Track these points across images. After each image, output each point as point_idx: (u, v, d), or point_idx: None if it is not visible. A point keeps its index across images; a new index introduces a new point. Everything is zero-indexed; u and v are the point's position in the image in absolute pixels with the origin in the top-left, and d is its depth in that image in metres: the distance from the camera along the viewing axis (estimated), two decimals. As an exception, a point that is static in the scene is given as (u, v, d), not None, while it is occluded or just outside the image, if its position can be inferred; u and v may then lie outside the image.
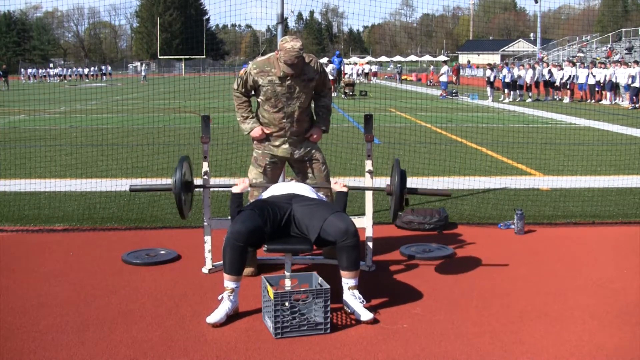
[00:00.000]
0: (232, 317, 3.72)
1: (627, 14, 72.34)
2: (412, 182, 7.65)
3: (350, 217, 4.33)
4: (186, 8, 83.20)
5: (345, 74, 31.97)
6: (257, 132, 4.65)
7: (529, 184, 7.83)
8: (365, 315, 3.68)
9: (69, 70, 60.72)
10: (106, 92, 30.42)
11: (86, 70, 60.20)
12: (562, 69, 26.82)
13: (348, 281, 3.81)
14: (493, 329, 3.63)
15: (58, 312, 3.84)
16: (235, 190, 4.21)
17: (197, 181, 4.51)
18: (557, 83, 26.36)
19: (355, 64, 48.11)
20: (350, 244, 3.74)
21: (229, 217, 4.30)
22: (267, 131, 4.65)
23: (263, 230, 3.80)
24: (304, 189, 4.21)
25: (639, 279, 4.47)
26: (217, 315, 3.67)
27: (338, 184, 4.33)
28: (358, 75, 42.60)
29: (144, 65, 53.14)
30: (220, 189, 7.11)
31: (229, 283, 3.75)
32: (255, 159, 4.77)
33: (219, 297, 3.78)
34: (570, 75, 26.03)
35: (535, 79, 26.73)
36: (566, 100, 25.70)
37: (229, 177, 7.69)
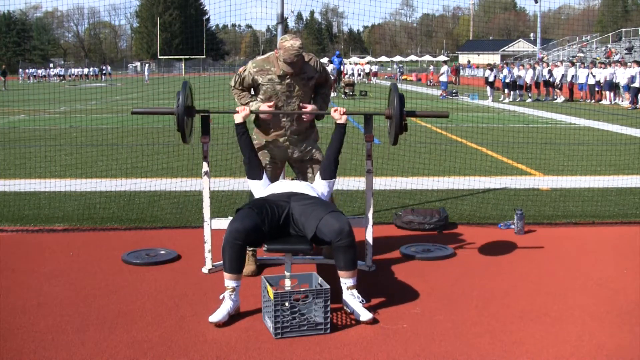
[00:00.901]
0: (233, 317, 3.72)
1: (627, 14, 72.34)
2: (412, 181, 7.67)
3: (350, 217, 4.34)
4: (186, 8, 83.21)
5: (346, 74, 31.97)
6: (263, 108, 4.49)
7: (529, 184, 7.83)
8: (365, 315, 3.68)
9: (69, 70, 60.71)
10: (106, 92, 30.43)
11: (86, 70, 60.23)
12: (556, 66, 26.84)
13: (346, 281, 3.80)
14: (493, 329, 3.63)
15: (58, 312, 3.84)
16: (237, 119, 4.32)
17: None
18: (557, 82, 26.34)
19: (357, 64, 48.08)
20: (345, 244, 3.73)
21: (229, 217, 4.31)
22: (269, 104, 4.48)
23: (261, 229, 3.80)
24: (304, 188, 4.21)
25: (639, 279, 4.47)
26: (219, 314, 3.66)
27: (338, 111, 4.36)
28: (359, 74, 42.59)
29: (147, 65, 53.08)
30: (221, 189, 7.11)
31: (229, 282, 3.75)
32: (255, 158, 4.76)
33: (220, 297, 3.78)
34: (562, 75, 26.00)
35: (535, 79, 26.73)
36: (560, 100, 25.68)
37: (229, 177, 7.69)
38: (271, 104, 4.52)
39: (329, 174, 4.32)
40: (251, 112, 4.46)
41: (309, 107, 4.56)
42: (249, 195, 4.85)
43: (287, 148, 4.67)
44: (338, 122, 4.40)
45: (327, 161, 4.36)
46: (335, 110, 4.39)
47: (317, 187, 4.29)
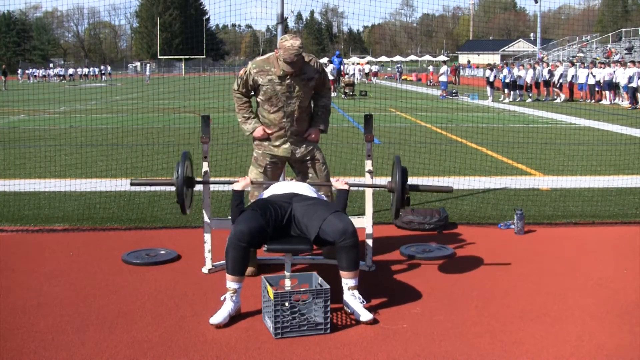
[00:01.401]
0: (233, 317, 3.72)
1: (627, 14, 72.32)
2: (412, 181, 7.65)
3: (351, 217, 4.34)
4: (186, 8, 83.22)
5: (346, 74, 31.95)
6: (259, 132, 4.65)
7: (529, 184, 7.83)
8: (365, 315, 3.68)
9: (69, 70, 60.69)
10: (106, 92, 30.43)
11: (85, 70, 60.23)
12: (557, 66, 26.85)
13: (348, 281, 3.80)
14: (493, 329, 3.63)
15: (58, 312, 3.84)
16: (236, 187, 4.21)
17: (198, 180, 4.51)
18: (555, 81, 26.34)
19: (358, 64, 48.03)
20: (348, 244, 3.73)
21: (229, 217, 4.30)
22: (268, 131, 4.65)
23: (265, 230, 3.80)
24: (305, 188, 4.21)
25: (639, 279, 4.47)
26: (219, 316, 3.66)
27: (340, 181, 4.33)
28: (360, 74, 42.56)
29: (149, 65, 53.08)
30: (221, 189, 7.11)
31: (231, 284, 3.74)
32: (255, 159, 4.77)
33: (222, 298, 3.77)
34: (561, 74, 25.97)
35: (535, 79, 26.73)
36: (560, 99, 25.67)
37: (229, 177, 7.68)
38: (266, 132, 4.61)
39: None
40: (252, 183, 4.44)
41: (313, 132, 4.67)
42: (249, 194, 4.85)
43: (287, 148, 4.67)
44: (339, 188, 4.29)
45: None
46: (337, 181, 4.35)
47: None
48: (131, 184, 4.52)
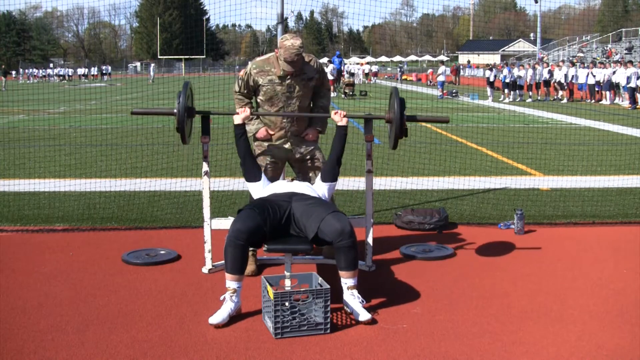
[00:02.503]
0: (233, 317, 3.72)
1: (627, 14, 72.32)
2: (412, 181, 7.67)
3: (350, 217, 4.35)
4: (186, 8, 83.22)
5: (346, 73, 31.90)
6: (262, 132, 4.64)
7: (529, 184, 7.82)
8: (364, 315, 3.68)
9: (68, 70, 60.68)
10: (106, 92, 30.43)
11: (85, 71, 60.22)
12: (558, 66, 26.83)
13: (347, 281, 3.80)
14: (493, 329, 3.63)
15: (58, 312, 3.84)
16: (236, 120, 4.34)
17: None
18: (556, 82, 26.32)
19: (361, 64, 47.99)
20: (346, 244, 3.73)
21: (229, 217, 4.30)
22: (271, 132, 4.64)
23: (263, 229, 3.80)
24: (305, 188, 4.21)
25: (639, 279, 4.47)
26: (219, 316, 3.66)
27: (338, 113, 4.39)
28: (364, 74, 42.54)
29: (152, 65, 53.05)
30: (221, 189, 7.11)
31: (231, 283, 3.74)
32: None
33: (221, 298, 3.77)
34: (565, 75, 25.95)
35: (535, 79, 26.73)
36: (565, 100, 25.68)
37: (229, 177, 7.69)
38: (269, 132, 4.62)
39: (331, 176, 4.32)
40: (252, 113, 4.47)
41: (311, 132, 4.68)
42: (249, 195, 4.86)
43: (288, 148, 4.67)
44: (339, 124, 4.41)
45: (328, 164, 4.36)
46: (335, 113, 4.40)
47: (317, 188, 4.29)
48: (132, 113, 4.60)
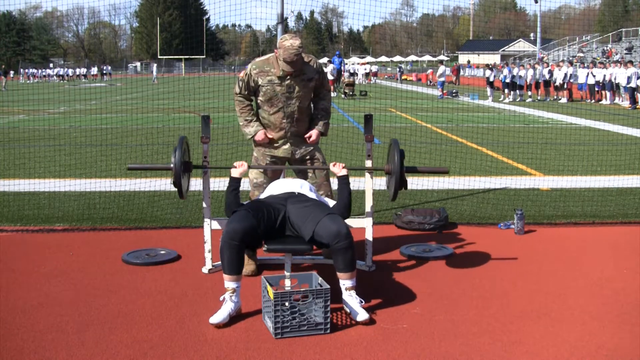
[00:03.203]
0: (233, 317, 3.72)
1: (627, 14, 72.33)
2: (412, 181, 7.65)
3: (350, 217, 4.34)
4: (186, 8, 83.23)
5: (352, 74, 31.87)
6: (260, 135, 4.63)
7: (529, 184, 7.83)
8: (362, 315, 3.67)
9: (68, 70, 60.67)
10: (106, 92, 30.44)
11: (84, 71, 60.25)
12: (558, 66, 26.81)
13: (345, 282, 3.80)
14: (493, 329, 3.63)
15: (58, 312, 3.84)
16: (234, 173, 4.23)
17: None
18: (557, 83, 26.30)
19: (362, 64, 47.98)
20: (342, 247, 3.73)
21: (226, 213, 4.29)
22: (270, 135, 4.63)
23: (257, 231, 3.80)
24: (303, 186, 4.21)
25: (639, 279, 4.47)
26: (219, 316, 3.66)
27: (337, 166, 4.28)
28: (366, 74, 42.51)
29: (155, 65, 53.06)
30: (221, 189, 7.11)
31: (229, 283, 3.74)
32: (255, 159, 4.77)
33: (221, 298, 3.77)
34: (565, 74, 25.92)
35: (535, 79, 26.72)
36: (564, 100, 25.67)
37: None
38: (269, 136, 4.60)
39: (341, 215, 4.08)
40: (249, 167, 4.42)
41: (313, 134, 4.64)
42: (249, 195, 4.86)
43: (288, 149, 4.67)
44: (339, 175, 4.26)
45: (337, 209, 4.09)
46: (334, 165, 4.31)
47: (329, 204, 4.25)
48: (128, 169, 4.54)
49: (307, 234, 3.82)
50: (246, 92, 4.63)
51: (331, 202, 4.33)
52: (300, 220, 3.88)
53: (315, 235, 3.80)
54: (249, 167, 4.40)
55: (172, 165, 4.19)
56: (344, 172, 4.26)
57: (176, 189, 4.25)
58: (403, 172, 4.23)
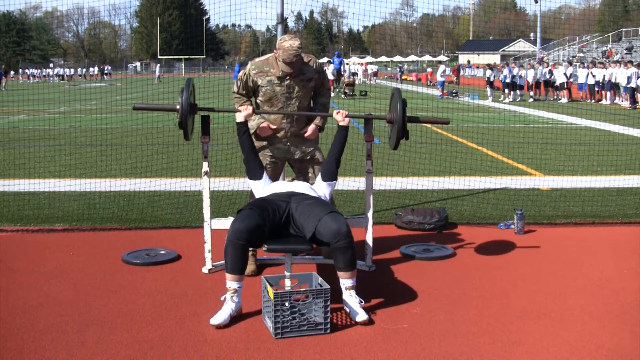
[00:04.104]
0: (233, 317, 3.72)
1: (627, 14, 72.32)
2: (412, 181, 7.67)
3: (350, 217, 4.34)
4: (186, 8, 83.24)
5: (353, 73, 31.86)
6: (263, 128, 4.58)
7: (529, 184, 7.82)
8: (361, 315, 3.67)
9: (68, 70, 60.65)
10: (106, 92, 30.43)
11: (84, 71, 60.26)
12: (559, 65, 26.81)
13: (345, 282, 3.80)
14: (493, 329, 3.63)
15: (58, 312, 3.84)
16: (238, 118, 4.34)
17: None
18: (557, 83, 26.30)
19: (362, 64, 47.96)
20: (343, 245, 3.73)
21: (230, 217, 4.30)
22: (272, 127, 4.59)
23: (263, 229, 3.80)
24: (304, 188, 4.21)
25: (639, 279, 4.47)
26: (220, 316, 3.65)
27: (340, 113, 4.40)
28: (368, 75, 42.49)
29: (158, 65, 53.06)
30: (221, 189, 7.11)
31: (231, 283, 3.73)
32: (255, 159, 4.76)
33: (222, 298, 3.76)
34: (564, 74, 25.90)
35: (535, 79, 26.71)
36: (564, 100, 25.66)
37: (229, 177, 7.69)
38: (272, 127, 4.59)
39: (330, 175, 4.33)
40: (254, 111, 4.46)
41: (310, 129, 4.63)
42: (250, 194, 4.86)
43: (287, 149, 4.67)
44: (340, 124, 4.42)
45: (328, 163, 4.36)
46: (337, 113, 4.40)
47: (317, 188, 4.29)
48: (134, 108, 4.61)
49: (309, 231, 3.82)
50: (244, 92, 4.63)
51: (317, 182, 4.35)
52: (302, 217, 3.88)
53: (316, 233, 3.80)
54: (254, 111, 4.44)
55: (178, 106, 4.25)
56: (345, 121, 4.42)
57: (182, 131, 4.32)
58: (405, 120, 4.27)
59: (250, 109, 4.38)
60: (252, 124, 4.64)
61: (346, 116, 4.39)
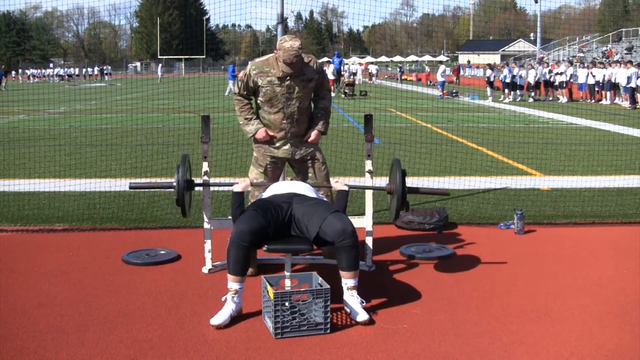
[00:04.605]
0: (234, 317, 3.72)
1: (627, 14, 72.34)
2: (411, 181, 7.65)
3: (351, 217, 4.34)
4: (186, 8, 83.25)
5: (346, 72, 31.85)
6: (261, 133, 4.62)
7: (529, 184, 7.83)
8: (362, 315, 3.67)
9: (68, 70, 60.62)
10: (106, 92, 30.43)
11: (83, 71, 60.22)
12: (558, 65, 26.80)
13: (347, 281, 3.80)
14: (493, 329, 3.63)
15: (58, 312, 3.84)
16: (236, 189, 4.19)
17: (197, 180, 4.51)
18: (557, 83, 26.29)
19: (362, 64, 47.93)
20: (347, 245, 3.73)
21: (229, 217, 4.29)
22: (271, 133, 4.63)
23: (267, 230, 3.80)
24: (304, 188, 4.21)
25: (639, 279, 4.47)
26: (220, 317, 3.65)
27: (339, 183, 4.34)
28: (362, 74, 42.47)
29: (160, 65, 53.05)
30: (221, 189, 7.11)
31: (233, 284, 3.73)
32: (255, 159, 4.77)
33: (223, 299, 3.76)
34: (563, 74, 25.88)
35: (536, 78, 26.71)
36: (564, 100, 25.65)
37: (229, 177, 7.69)
38: (270, 134, 4.59)
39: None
40: (252, 184, 4.41)
41: (313, 134, 4.64)
42: (250, 193, 4.86)
43: (287, 149, 4.67)
44: (339, 189, 4.31)
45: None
46: (336, 182, 4.38)
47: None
48: (130, 187, 4.50)
49: (313, 231, 3.82)
50: (245, 92, 4.63)
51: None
52: (305, 218, 3.89)
53: (321, 233, 3.80)
54: (251, 184, 4.41)
55: (174, 183, 4.19)
56: (345, 187, 4.29)
57: (179, 207, 4.25)
58: (405, 193, 4.22)
59: (248, 181, 4.34)
60: (251, 129, 4.64)
61: (345, 185, 4.32)
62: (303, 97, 4.56)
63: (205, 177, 4.58)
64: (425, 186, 7.37)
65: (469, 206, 6.69)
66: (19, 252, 5.09)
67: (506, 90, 26.72)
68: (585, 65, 28.02)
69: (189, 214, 4.40)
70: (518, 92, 26.48)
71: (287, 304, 3.50)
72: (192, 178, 4.45)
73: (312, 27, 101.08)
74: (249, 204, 4.18)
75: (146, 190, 4.81)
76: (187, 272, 4.62)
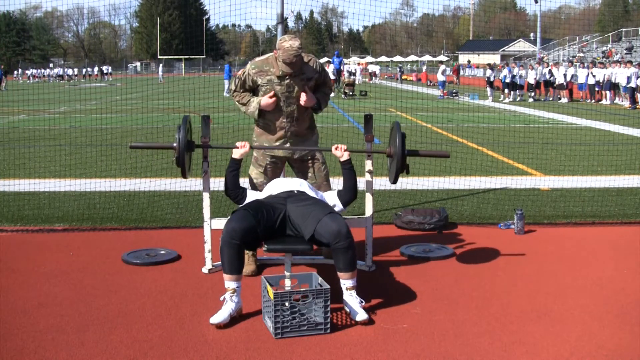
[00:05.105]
0: (234, 317, 3.72)
1: (627, 14, 72.33)
2: (412, 181, 7.67)
3: (350, 217, 4.34)
4: (186, 8, 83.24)
5: (346, 72, 31.86)
6: (265, 100, 4.46)
7: (529, 184, 7.83)
8: (361, 315, 3.67)
9: (67, 70, 60.57)
10: (106, 92, 30.44)
11: (83, 70, 60.21)
12: (558, 65, 26.80)
13: (345, 282, 3.80)
14: (493, 329, 3.63)
15: (58, 312, 3.84)
16: (235, 155, 4.25)
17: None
18: (557, 83, 26.29)
19: (361, 64, 47.91)
20: (343, 246, 3.73)
21: (229, 217, 4.28)
22: (272, 99, 4.46)
23: (256, 231, 3.79)
24: (303, 185, 4.21)
25: (639, 279, 4.47)
26: (220, 316, 3.65)
27: (339, 149, 4.26)
28: (362, 74, 42.48)
29: (161, 65, 53.04)
30: (220, 189, 7.10)
31: (229, 283, 3.74)
32: (255, 158, 4.77)
33: (221, 298, 3.76)
34: (564, 74, 25.87)
35: (536, 78, 26.71)
36: (564, 100, 25.66)
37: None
38: (271, 94, 4.46)
39: (345, 202, 4.25)
40: (251, 147, 4.39)
41: (306, 98, 4.47)
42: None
43: (287, 149, 4.66)
44: (341, 160, 4.27)
45: (345, 196, 4.25)
46: (336, 148, 4.28)
47: (328, 198, 4.26)
48: (130, 147, 4.57)
49: (308, 233, 3.82)
50: (241, 91, 4.60)
51: (331, 193, 4.32)
52: (300, 219, 3.88)
53: (316, 234, 3.80)
54: (251, 147, 4.39)
55: (175, 144, 4.21)
56: (345, 155, 4.26)
57: (179, 168, 4.27)
58: (405, 155, 4.22)
59: (247, 146, 4.28)
60: (254, 105, 4.51)
61: (345, 150, 4.27)
62: (303, 97, 4.55)
63: (205, 177, 4.57)
64: (425, 189, 7.42)
65: (469, 206, 6.69)
66: (19, 252, 5.09)
67: (506, 90, 26.72)
68: (585, 65, 28.02)
69: (188, 174, 4.40)
70: (518, 92, 26.48)
71: (287, 304, 3.50)
72: (193, 140, 4.39)
73: (312, 27, 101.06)
74: (242, 205, 4.14)
75: (146, 148, 4.86)
76: (187, 272, 4.63)
